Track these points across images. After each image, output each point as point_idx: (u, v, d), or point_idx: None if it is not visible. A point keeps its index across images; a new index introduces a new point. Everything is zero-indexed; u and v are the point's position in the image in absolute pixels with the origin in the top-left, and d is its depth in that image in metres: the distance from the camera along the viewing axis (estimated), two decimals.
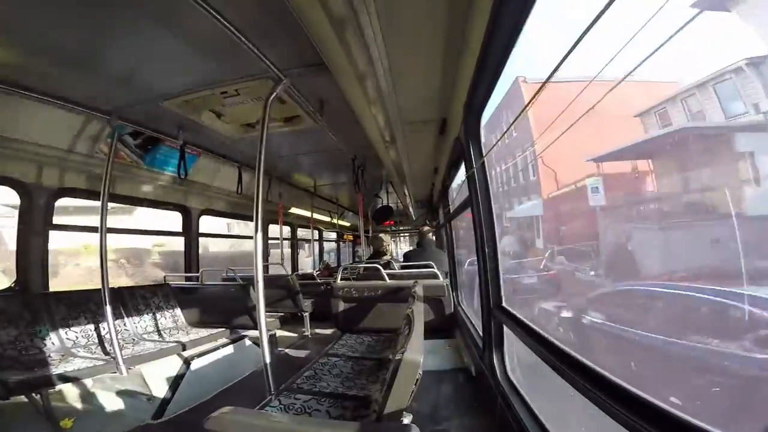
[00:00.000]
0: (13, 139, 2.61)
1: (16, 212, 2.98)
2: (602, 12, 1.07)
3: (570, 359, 1.21)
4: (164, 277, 4.17)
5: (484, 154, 2.39)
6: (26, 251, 2.99)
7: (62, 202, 3.23)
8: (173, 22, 1.81)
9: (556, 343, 1.34)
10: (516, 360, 2.25)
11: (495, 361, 2.21)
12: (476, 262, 2.50)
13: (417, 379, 1.26)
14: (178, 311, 3.84)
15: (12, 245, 3.04)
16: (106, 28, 1.85)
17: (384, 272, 3.58)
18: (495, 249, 2.30)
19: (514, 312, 1.96)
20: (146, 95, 2.56)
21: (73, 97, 2.52)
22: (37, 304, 2.85)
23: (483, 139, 2.44)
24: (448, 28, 1.86)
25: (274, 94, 2.32)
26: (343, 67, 1.85)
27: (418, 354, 1.26)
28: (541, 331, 1.49)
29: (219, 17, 1.71)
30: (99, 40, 1.94)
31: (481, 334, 2.59)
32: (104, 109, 2.71)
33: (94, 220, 2.99)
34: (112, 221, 3.05)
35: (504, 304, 2.18)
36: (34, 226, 3.04)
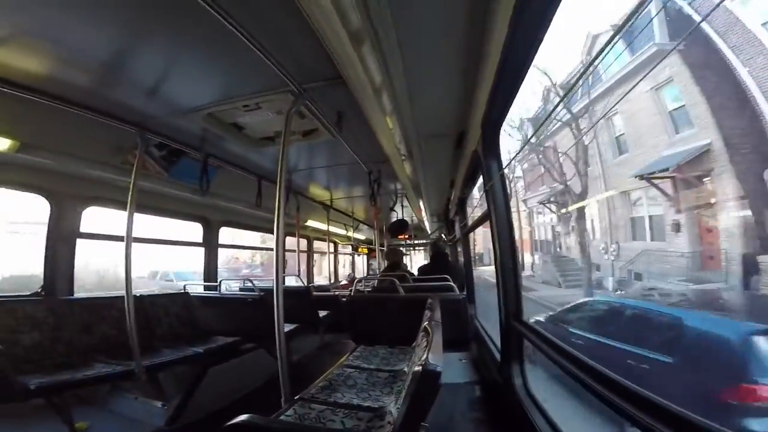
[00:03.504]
0: (45, 148, 2.71)
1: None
2: (615, 34, 1.07)
3: (596, 373, 1.18)
4: (184, 286, 4.25)
5: (502, 167, 2.39)
6: (54, 258, 3.10)
7: None
8: (198, 36, 1.87)
9: (581, 356, 1.31)
10: None
11: (514, 374, 2.17)
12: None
13: (437, 392, 1.24)
14: (196, 320, 3.89)
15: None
16: (137, 41, 1.92)
17: (399, 285, 3.57)
18: (515, 261, 2.29)
19: (534, 325, 1.93)
20: (172, 107, 2.64)
21: (102, 107, 2.58)
22: (62, 309, 2.93)
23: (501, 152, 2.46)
24: (466, 42, 1.89)
25: (294, 108, 2.38)
26: (360, 81, 1.89)
27: (438, 366, 1.25)
28: (564, 345, 1.46)
29: (242, 31, 1.76)
30: (129, 52, 2.01)
31: (498, 347, 2.55)
32: (132, 121, 2.78)
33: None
34: None
35: (523, 317, 2.15)
36: (62, 234, 3.15)
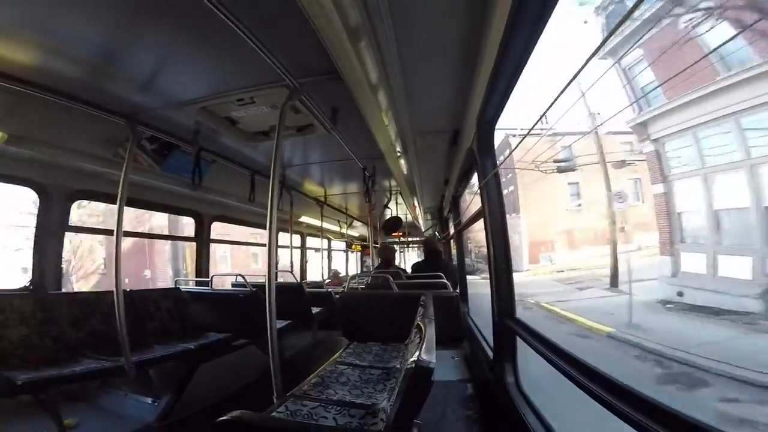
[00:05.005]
0: (34, 140, 2.65)
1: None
2: (608, 36, 1.07)
3: (591, 372, 1.19)
4: (175, 281, 4.21)
5: (497, 165, 2.40)
6: (42, 251, 3.05)
7: None
8: (192, 28, 1.85)
9: (575, 355, 1.32)
10: None
11: (506, 372, 2.18)
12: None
13: (429, 389, 1.24)
14: (187, 315, 3.86)
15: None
16: (129, 33, 1.88)
17: (392, 282, 3.57)
18: (508, 259, 2.30)
19: (528, 323, 1.94)
20: (165, 100, 2.61)
21: (94, 99, 2.54)
22: (50, 304, 2.88)
23: (495, 151, 2.47)
24: (463, 41, 1.89)
25: (289, 102, 2.36)
26: (357, 77, 1.88)
27: (431, 363, 1.25)
28: (558, 344, 1.47)
29: (237, 24, 1.74)
30: (121, 44, 1.98)
31: (491, 344, 2.56)
32: (123, 113, 2.74)
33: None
34: None
35: (517, 314, 2.16)
36: (50, 227, 3.10)
